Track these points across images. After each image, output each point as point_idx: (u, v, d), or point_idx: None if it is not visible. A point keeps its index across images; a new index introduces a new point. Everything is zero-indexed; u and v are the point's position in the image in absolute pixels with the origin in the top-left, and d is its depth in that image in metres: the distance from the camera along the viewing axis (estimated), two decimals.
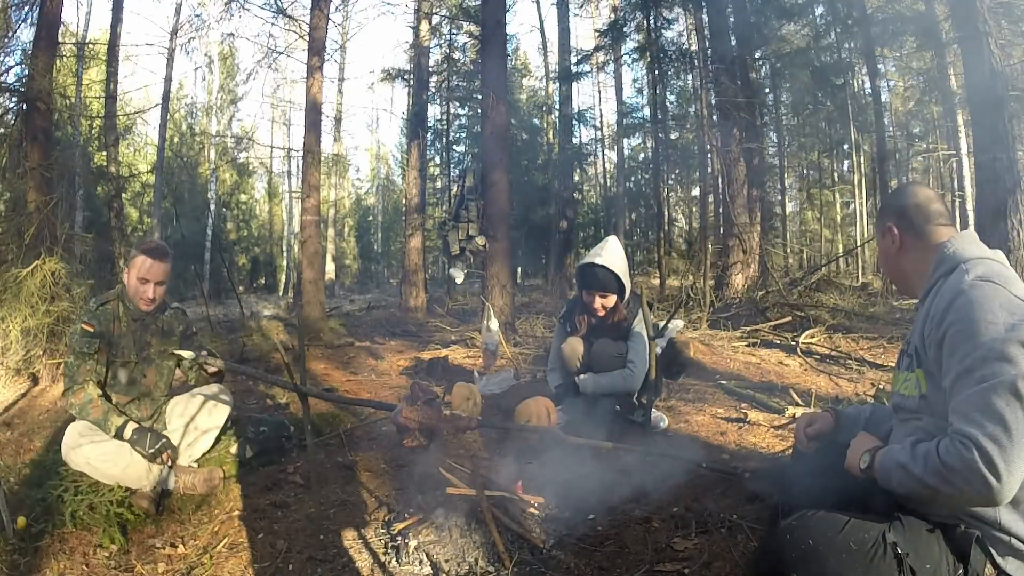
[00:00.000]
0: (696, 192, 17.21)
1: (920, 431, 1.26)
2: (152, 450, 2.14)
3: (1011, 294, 1.13)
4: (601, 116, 18.69)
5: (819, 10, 9.87)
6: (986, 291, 1.13)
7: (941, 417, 1.19)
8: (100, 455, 2.09)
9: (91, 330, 2.20)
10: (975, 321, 1.11)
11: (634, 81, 18.02)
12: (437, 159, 15.88)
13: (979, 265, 1.20)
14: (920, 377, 1.26)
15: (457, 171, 13.82)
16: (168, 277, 2.31)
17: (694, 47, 11.31)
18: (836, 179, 15.73)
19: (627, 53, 11.70)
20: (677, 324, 5.07)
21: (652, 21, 9.73)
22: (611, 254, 2.87)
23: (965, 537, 1.16)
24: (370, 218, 26.51)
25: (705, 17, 9.36)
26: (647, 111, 13.24)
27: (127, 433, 2.15)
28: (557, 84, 13.45)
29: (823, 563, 1.14)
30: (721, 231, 8.49)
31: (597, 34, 11.91)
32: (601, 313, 2.92)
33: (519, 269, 16.46)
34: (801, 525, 1.21)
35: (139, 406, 2.36)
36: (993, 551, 1.15)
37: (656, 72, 10.41)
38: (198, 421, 2.39)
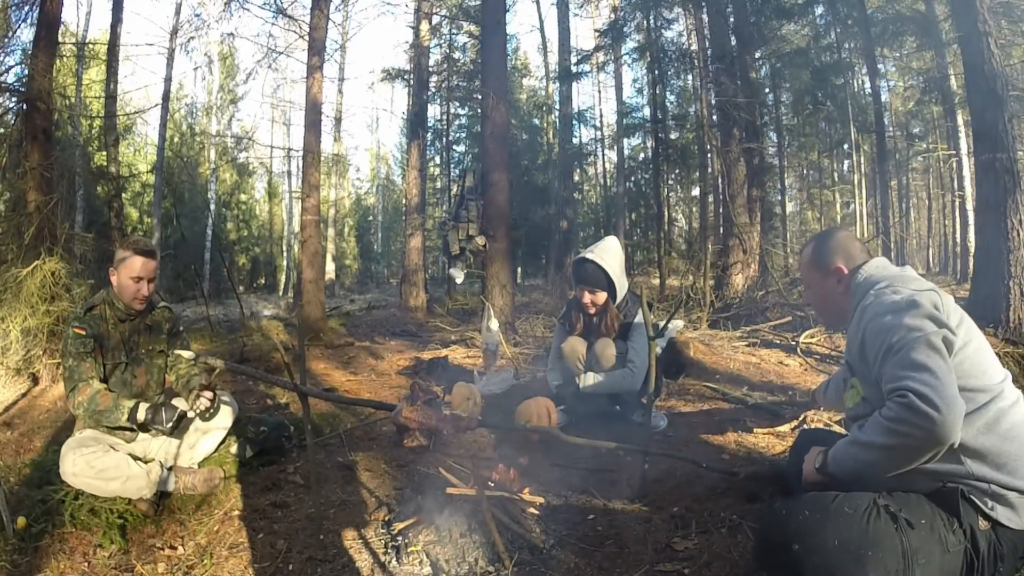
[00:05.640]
0: (696, 192, 17.20)
1: None
2: (170, 424, 2.16)
3: (909, 289, 1.32)
4: (601, 116, 18.68)
5: (819, 10, 9.86)
6: (887, 293, 1.34)
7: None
8: (100, 472, 2.04)
9: (83, 333, 2.20)
10: (883, 314, 1.29)
11: (634, 81, 18.04)
12: (437, 159, 15.89)
13: (883, 282, 1.40)
14: (856, 384, 1.40)
15: (457, 171, 13.82)
16: (157, 273, 2.34)
17: (694, 47, 11.32)
18: (836, 179, 15.72)
19: (627, 53, 11.70)
20: (677, 324, 5.07)
21: (652, 21, 9.74)
22: (605, 252, 2.88)
23: (950, 493, 1.22)
24: (370, 218, 26.52)
25: (705, 17, 9.35)
26: (647, 111, 13.24)
27: (140, 414, 2.15)
28: (557, 84, 13.45)
29: (822, 529, 1.18)
30: (721, 231, 8.48)
31: (597, 34, 11.90)
32: (591, 310, 2.92)
33: (519, 269, 16.46)
34: (795, 502, 1.27)
35: None
36: (980, 504, 1.21)
37: (656, 72, 10.42)
38: (198, 422, 2.39)
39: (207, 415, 2.35)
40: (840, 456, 1.31)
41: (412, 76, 11.54)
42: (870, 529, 1.15)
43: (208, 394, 2.34)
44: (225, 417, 2.48)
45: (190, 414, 2.31)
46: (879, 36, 8.78)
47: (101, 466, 2.04)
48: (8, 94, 4.31)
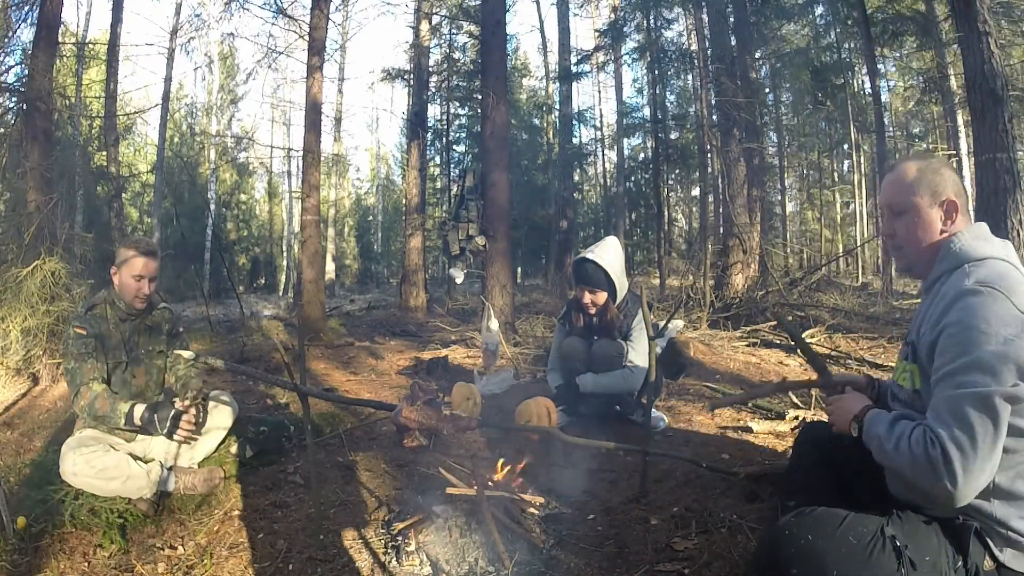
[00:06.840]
0: (696, 192, 17.23)
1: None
2: (165, 430, 2.18)
3: (1011, 304, 1.11)
4: (601, 116, 18.72)
5: (819, 10, 9.88)
6: (985, 298, 1.12)
7: None
8: (100, 472, 2.04)
9: (84, 332, 2.22)
10: (969, 328, 1.12)
11: (634, 81, 18.10)
12: (437, 159, 15.86)
13: (982, 267, 1.19)
14: (915, 372, 1.29)
15: (457, 171, 13.80)
16: (158, 273, 2.36)
17: (694, 47, 11.32)
18: (836, 179, 15.75)
19: (627, 53, 11.71)
20: (677, 324, 5.07)
21: (652, 21, 9.75)
22: (606, 252, 2.88)
23: (963, 528, 1.17)
24: (370, 218, 26.51)
25: (705, 17, 9.35)
26: (647, 111, 13.26)
27: (136, 416, 2.16)
28: (557, 84, 13.46)
29: (822, 558, 1.14)
30: (721, 231, 8.49)
31: (597, 34, 11.91)
32: (591, 310, 2.92)
33: (519, 269, 16.46)
34: (799, 522, 1.22)
35: None
36: (991, 543, 1.17)
37: (656, 72, 10.43)
38: None
39: (191, 441, 2.34)
40: (871, 439, 1.27)
41: (412, 76, 11.54)
42: (871, 562, 1.12)
43: (187, 429, 2.27)
44: (225, 417, 2.48)
45: (176, 438, 2.28)
46: (879, 36, 8.78)
47: (101, 465, 2.05)
48: (8, 94, 4.31)
